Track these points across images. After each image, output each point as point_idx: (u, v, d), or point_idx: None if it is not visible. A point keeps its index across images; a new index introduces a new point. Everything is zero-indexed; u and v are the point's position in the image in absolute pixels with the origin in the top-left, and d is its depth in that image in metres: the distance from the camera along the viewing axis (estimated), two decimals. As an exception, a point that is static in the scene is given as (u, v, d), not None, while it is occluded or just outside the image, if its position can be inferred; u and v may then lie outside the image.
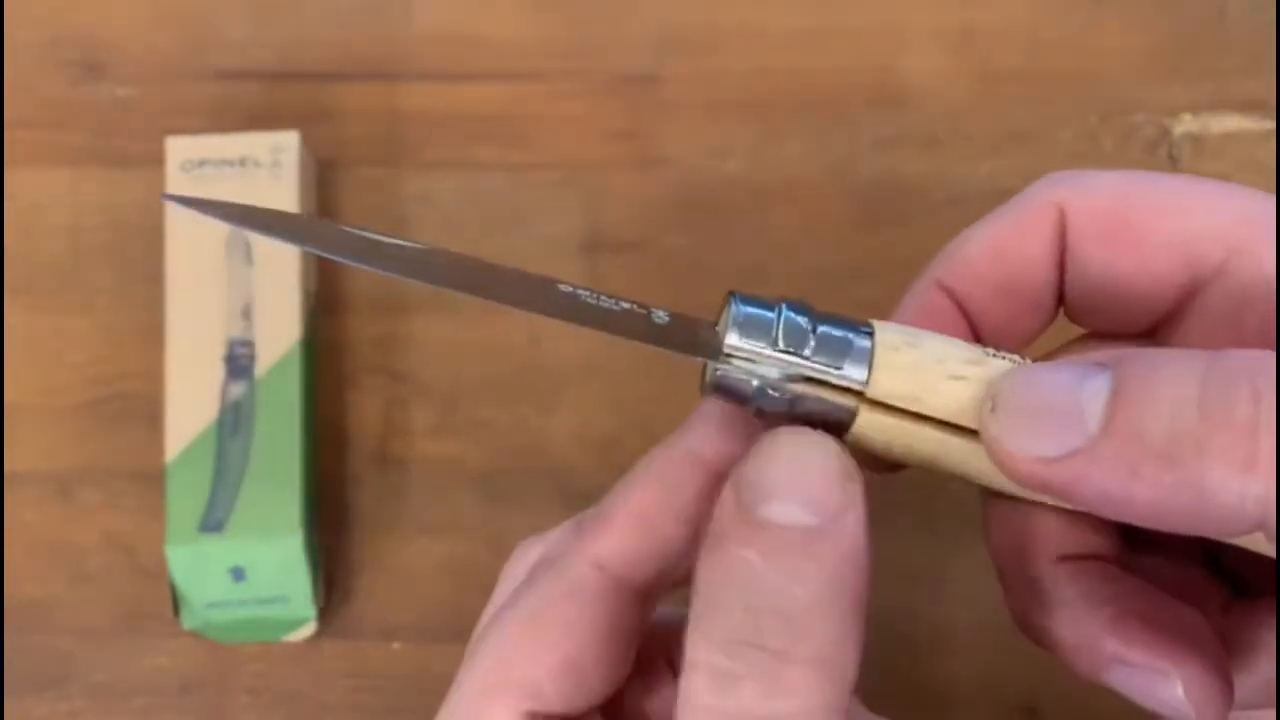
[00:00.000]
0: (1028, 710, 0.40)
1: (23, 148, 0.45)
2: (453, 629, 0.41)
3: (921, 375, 0.24)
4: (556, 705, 0.25)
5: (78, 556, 0.42)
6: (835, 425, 0.25)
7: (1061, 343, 0.28)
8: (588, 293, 0.25)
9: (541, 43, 0.46)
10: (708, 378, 0.25)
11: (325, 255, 0.24)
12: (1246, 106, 0.45)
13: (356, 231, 0.24)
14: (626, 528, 0.26)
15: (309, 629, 0.40)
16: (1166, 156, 0.44)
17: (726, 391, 0.25)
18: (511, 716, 0.25)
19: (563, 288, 0.25)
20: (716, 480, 0.24)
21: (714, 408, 0.26)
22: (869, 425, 0.25)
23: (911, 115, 0.45)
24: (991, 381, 0.24)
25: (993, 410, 0.23)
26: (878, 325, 0.25)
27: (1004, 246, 0.27)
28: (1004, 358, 0.25)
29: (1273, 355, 0.21)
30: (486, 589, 0.42)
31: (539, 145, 0.45)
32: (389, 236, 0.24)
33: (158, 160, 0.42)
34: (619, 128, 0.45)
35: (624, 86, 0.45)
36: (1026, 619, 0.27)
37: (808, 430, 0.23)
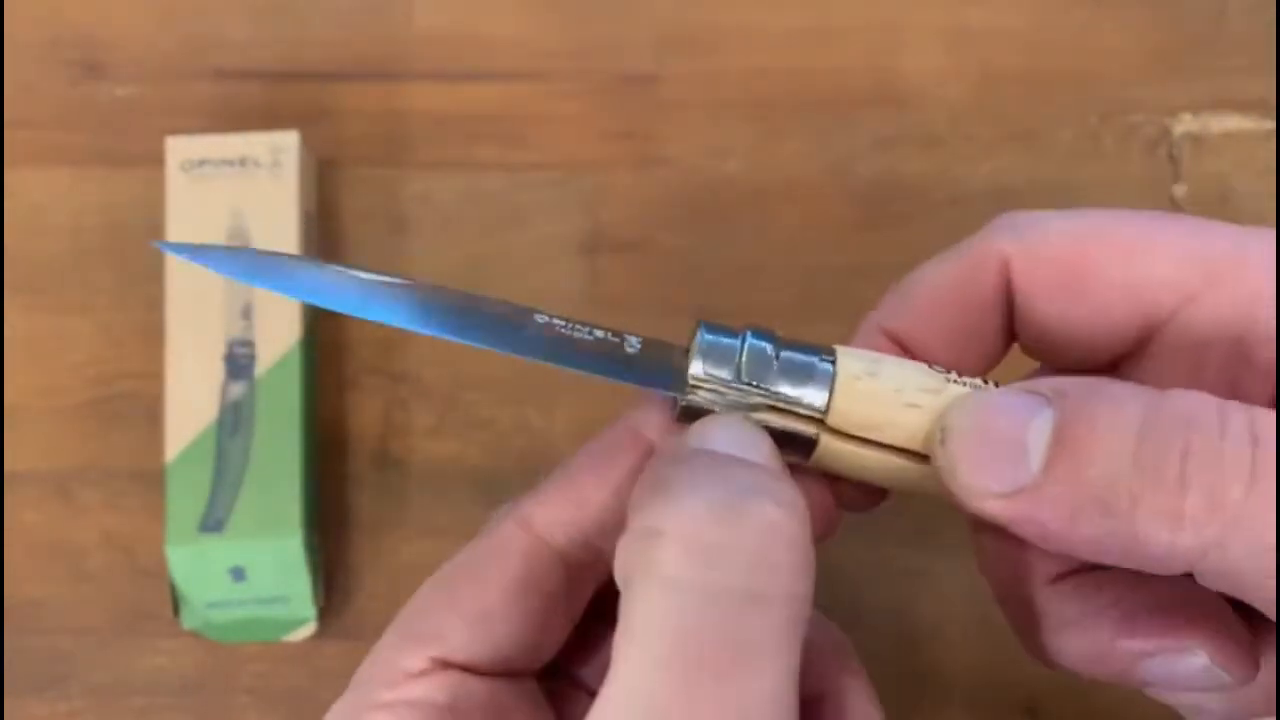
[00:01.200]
0: (1028, 710, 0.40)
1: (23, 148, 0.45)
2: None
3: (879, 404, 0.25)
4: (462, 654, 0.25)
5: (78, 556, 0.42)
6: (800, 449, 0.25)
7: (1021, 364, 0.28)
8: (563, 323, 0.26)
9: (541, 43, 0.46)
10: (679, 403, 0.25)
11: (317, 304, 0.25)
12: (1246, 106, 0.45)
13: (343, 273, 0.25)
14: (558, 491, 0.26)
15: (309, 629, 0.40)
16: (1166, 156, 0.44)
17: (695, 417, 0.25)
18: (420, 662, 0.25)
19: (539, 318, 0.25)
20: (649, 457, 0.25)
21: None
22: (830, 450, 0.25)
23: (911, 115, 0.45)
24: (942, 412, 0.24)
25: (942, 443, 0.24)
26: (840, 351, 0.25)
27: (949, 294, 0.27)
28: (963, 383, 0.25)
29: (1211, 401, 0.22)
30: (486, 589, 0.42)
31: (539, 145, 0.45)
32: (370, 274, 0.25)
33: (158, 160, 0.42)
34: (619, 128, 0.45)
35: (624, 86, 0.45)
36: (1036, 645, 0.27)
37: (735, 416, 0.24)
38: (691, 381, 0.25)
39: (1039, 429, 0.22)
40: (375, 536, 0.42)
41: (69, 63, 0.46)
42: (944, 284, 0.27)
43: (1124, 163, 0.44)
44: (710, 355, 0.25)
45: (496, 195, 0.44)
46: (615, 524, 0.25)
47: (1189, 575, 0.22)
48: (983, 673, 0.41)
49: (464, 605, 0.26)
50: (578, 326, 0.26)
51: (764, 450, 0.24)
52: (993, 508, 0.23)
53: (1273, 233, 0.25)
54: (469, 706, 0.25)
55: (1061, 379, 0.24)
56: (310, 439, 0.40)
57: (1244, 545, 0.21)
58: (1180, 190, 0.44)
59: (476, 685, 0.25)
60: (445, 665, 0.25)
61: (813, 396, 0.25)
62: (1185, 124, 0.45)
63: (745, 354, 0.25)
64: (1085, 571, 0.26)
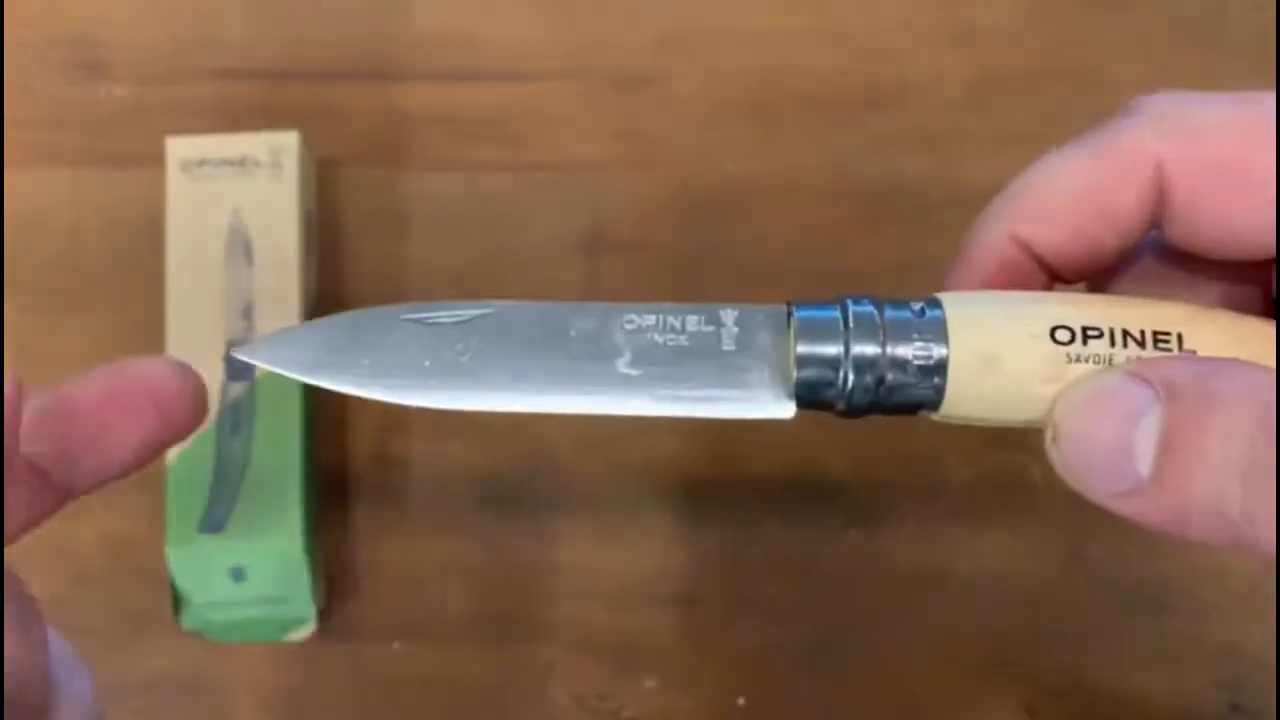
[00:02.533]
0: (1028, 710, 0.40)
1: (23, 148, 0.45)
2: (453, 629, 0.41)
3: (998, 399, 0.24)
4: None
5: (78, 556, 0.42)
6: (929, 399, 0.24)
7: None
8: (652, 321, 0.25)
9: (541, 43, 0.46)
10: (792, 385, 0.24)
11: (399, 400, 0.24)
12: (1246, 106, 0.45)
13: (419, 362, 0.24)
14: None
15: (309, 629, 0.40)
16: (1166, 156, 0.44)
17: (813, 393, 0.24)
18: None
19: (627, 322, 0.25)
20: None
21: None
22: (958, 392, 0.24)
23: (911, 115, 0.45)
24: (1053, 403, 0.23)
25: (1054, 440, 0.23)
26: (951, 322, 0.24)
27: (1091, 197, 0.25)
28: (1084, 360, 0.24)
29: None
30: (486, 589, 0.42)
31: (539, 145, 0.45)
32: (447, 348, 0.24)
33: (158, 160, 0.42)
34: (619, 128, 0.45)
35: (624, 86, 0.45)
36: None
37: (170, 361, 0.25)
38: (798, 370, 0.24)
39: (1146, 431, 0.22)
40: (375, 536, 0.42)
41: (69, 63, 0.46)
42: (1084, 185, 0.25)
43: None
44: (810, 332, 0.24)
45: (496, 195, 0.44)
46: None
47: None
48: (983, 673, 0.41)
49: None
50: (669, 319, 0.25)
51: None
52: (1105, 503, 0.22)
53: None
54: None
55: (1174, 366, 0.22)
56: (310, 439, 0.40)
57: None
58: (1180, 190, 0.44)
59: None
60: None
61: (934, 345, 0.24)
62: (1185, 124, 0.45)
63: (852, 318, 0.24)
64: None
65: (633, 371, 0.24)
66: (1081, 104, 0.45)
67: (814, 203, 0.44)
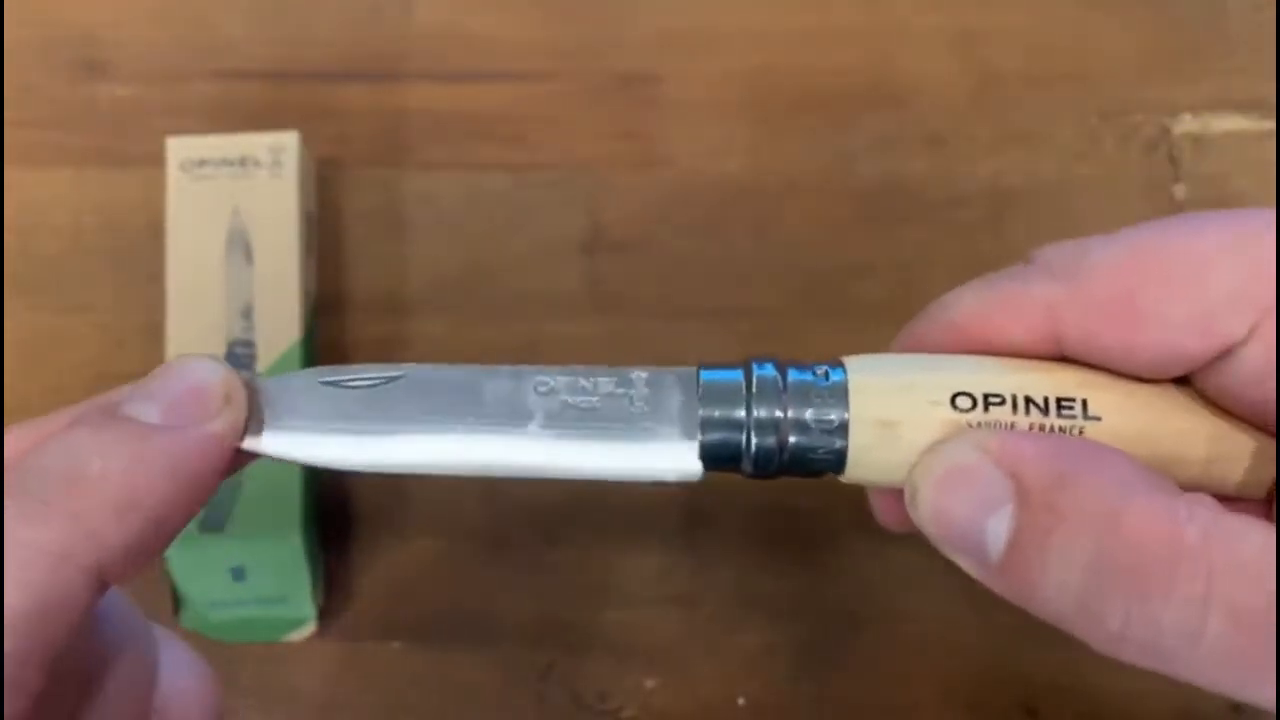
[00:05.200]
0: (1028, 710, 0.40)
1: (23, 148, 0.45)
2: (453, 629, 0.41)
3: (895, 461, 0.24)
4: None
5: (78, 556, 0.42)
6: (831, 463, 0.25)
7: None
8: (564, 380, 0.25)
9: (541, 43, 0.46)
10: (700, 446, 0.24)
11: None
12: (1246, 106, 0.45)
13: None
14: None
15: (309, 629, 0.40)
16: (1166, 156, 0.44)
17: (719, 453, 0.24)
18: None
19: (539, 384, 0.25)
20: None
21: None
22: (859, 458, 0.24)
23: (911, 115, 0.45)
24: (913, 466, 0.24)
25: (912, 503, 0.24)
26: (849, 364, 0.25)
27: (990, 329, 0.26)
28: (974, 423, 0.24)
29: (1166, 524, 0.21)
30: (486, 589, 0.42)
31: (539, 145, 0.45)
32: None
33: (158, 160, 0.42)
34: (619, 128, 0.45)
35: (624, 86, 0.45)
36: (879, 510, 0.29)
37: (213, 360, 0.24)
38: (703, 433, 0.24)
39: (997, 524, 0.22)
40: (375, 536, 0.42)
41: (69, 63, 0.46)
42: (986, 317, 0.26)
43: (1124, 163, 0.44)
44: (714, 395, 0.24)
45: (497, 195, 0.44)
46: None
47: None
48: (983, 673, 0.41)
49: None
50: (580, 381, 0.25)
51: None
52: (963, 566, 0.23)
53: None
54: None
55: (1027, 456, 0.23)
56: (310, 439, 0.40)
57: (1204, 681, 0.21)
58: (1180, 190, 0.44)
59: None
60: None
61: (833, 405, 0.24)
62: (1185, 124, 0.45)
63: (755, 382, 0.24)
64: None
65: (544, 433, 0.25)
66: (1081, 104, 0.45)
67: (814, 203, 0.44)
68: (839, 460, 0.24)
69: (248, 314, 0.40)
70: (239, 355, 0.40)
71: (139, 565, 0.22)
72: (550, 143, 0.45)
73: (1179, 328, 0.24)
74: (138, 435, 0.23)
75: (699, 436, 0.24)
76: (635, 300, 0.43)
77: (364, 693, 0.41)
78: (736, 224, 0.44)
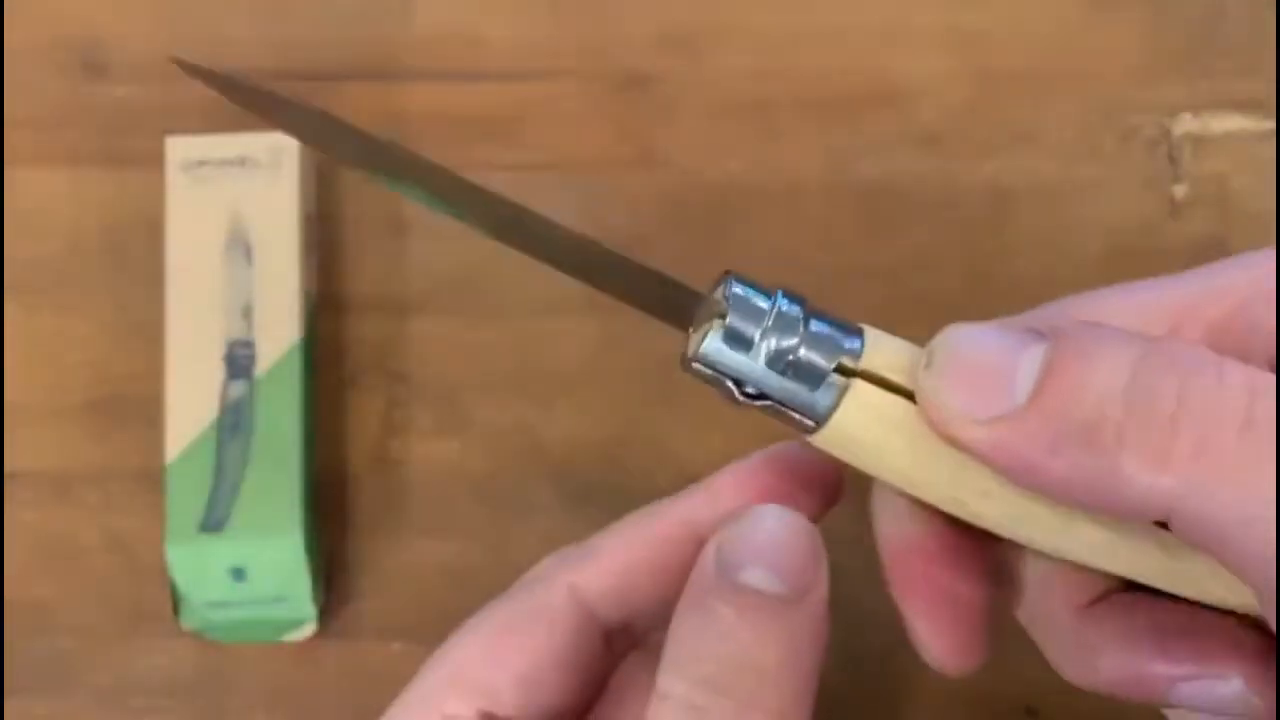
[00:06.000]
0: (1028, 710, 0.40)
1: (23, 148, 0.45)
2: (453, 629, 0.41)
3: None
4: (511, 711, 0.26)
5: (78, 556, 0.42)
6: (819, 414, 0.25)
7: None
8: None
9: (541, 43, 0.46)
10: (698, 347, 0.26)
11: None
12: (1246, 106, 0.45)
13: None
14: (609, 565, 0.27)
15: (309, 629, 0.40)
16: (1166, 156, 0.44)
17: (715, 362, 0.26)
18: (468, 712, 0.26)
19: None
20: (699, 546, 0.25)
21: (724, 478, 0.28)
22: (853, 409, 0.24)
23: (911, 115, 0.45)
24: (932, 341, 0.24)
25: (928, 365, 0.23)
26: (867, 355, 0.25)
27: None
28: None
29: (1208, 352, 0.22)
30: (486, 589, 0.42)
31: (539, 145, 0.45)
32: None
33: (158, 160, 0.42)
34: (619, 128, 0.45)
35: (624, 86, 0.45)
36: (1073, 673, 0.27)
37: (787, 509, 0.24)
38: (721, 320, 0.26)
39: (1030, 359, 0.22)
40: (375, 536, 0.42)
41: (69, 63, 0.46)
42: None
43: (1124, 163, 0.44)
44: (742, 305, 0.26)
45: (496, 195, 0.44)
46: (655, 610, 0.27)
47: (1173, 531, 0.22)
48: (983, 673, 0.40)
49: (513, 664, 0.26)
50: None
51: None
52: (970, 434, 0.22)
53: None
54: None
55: (1059, 319, 0.23)
56: (310, 439, 0.40)
57: (1232, 492, 0.21)
58: (1180, 190, 0.44)
59: None
60: (488, 717, 0.26)
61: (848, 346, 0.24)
62: (1185, 124, 0.45)
63: (776, 313, 0.25)
64: (1117, 593, 0.26)
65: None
66: (1081, 104, 0.45)
67: (814, 203, 0.44)
68: (836, 398, 0.24)
69: (247, 314, 0.40)
70: (239, 355, 0.40)
71: None
72: (550, 143, 0.45)
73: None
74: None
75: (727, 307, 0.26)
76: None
77: (364, 693, 0.41)
78: (737, 224, 0.44)
